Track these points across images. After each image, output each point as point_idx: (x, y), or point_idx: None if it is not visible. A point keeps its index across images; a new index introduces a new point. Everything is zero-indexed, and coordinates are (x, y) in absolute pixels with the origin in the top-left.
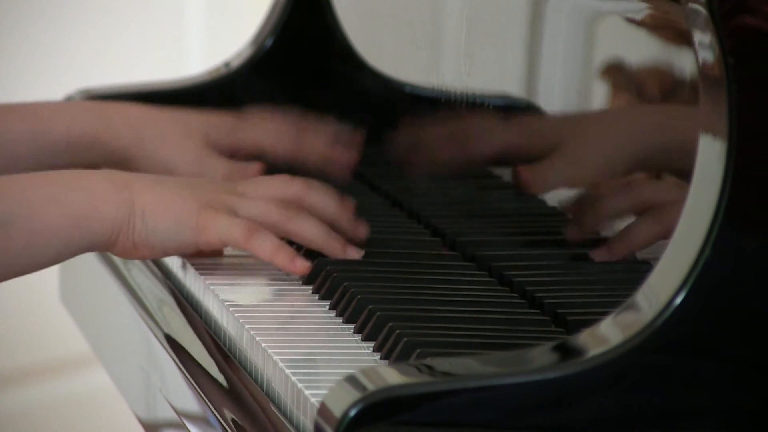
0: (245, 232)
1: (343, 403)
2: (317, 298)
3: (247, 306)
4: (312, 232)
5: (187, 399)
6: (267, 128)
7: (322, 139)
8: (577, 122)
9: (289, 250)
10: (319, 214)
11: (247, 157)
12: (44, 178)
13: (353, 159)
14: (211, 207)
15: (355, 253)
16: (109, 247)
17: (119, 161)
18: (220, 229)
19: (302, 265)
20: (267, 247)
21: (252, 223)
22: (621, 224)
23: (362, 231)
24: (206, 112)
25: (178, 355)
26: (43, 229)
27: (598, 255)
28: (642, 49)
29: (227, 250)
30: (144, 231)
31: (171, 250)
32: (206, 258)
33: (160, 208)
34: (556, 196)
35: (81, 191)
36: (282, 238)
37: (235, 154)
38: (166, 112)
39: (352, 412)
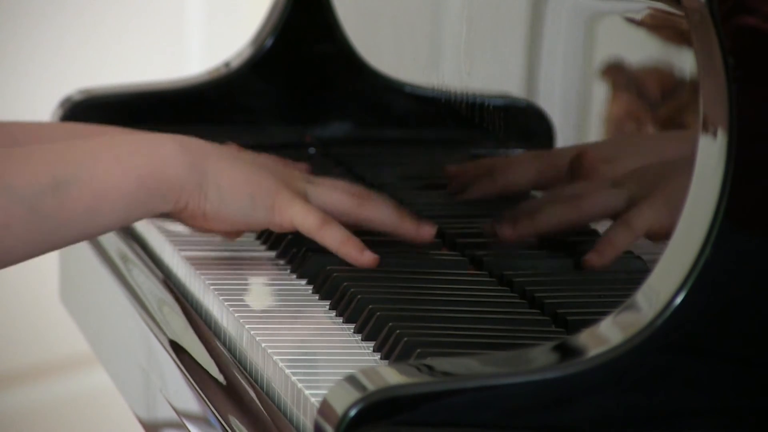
0: (318, 222)
1: (343, 403)
2: (317, 298)
3: (247, 306)
4: (385, 214)
5: (187, 399)
6: None
7: None
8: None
9: (357, 242)
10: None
11: None
12: (110, 140)
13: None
14: (289, 189)
15: (426, 233)
16: (177, 213)
17: None
18: (294, 214)
19: (370, 257)
20: (337, 237)
21: (326, 214)
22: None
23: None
24: None
25: (178, 355)
26: (106, 190)
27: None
28: (642, 49)
29: (227, 249)
30: (218, 203)
31: (240, 225)
32: (206, 258)
33: (238, 182)
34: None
35: (148, 153)
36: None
37: None
38: None
39: (352, 412)
